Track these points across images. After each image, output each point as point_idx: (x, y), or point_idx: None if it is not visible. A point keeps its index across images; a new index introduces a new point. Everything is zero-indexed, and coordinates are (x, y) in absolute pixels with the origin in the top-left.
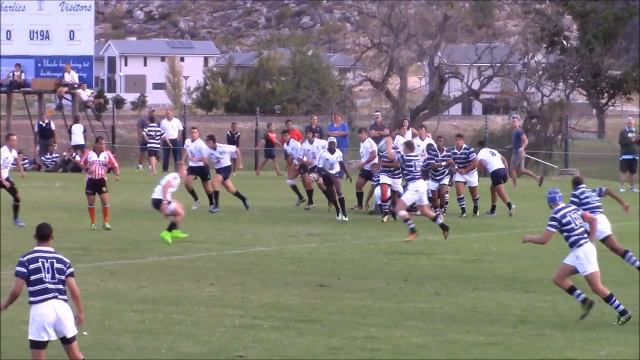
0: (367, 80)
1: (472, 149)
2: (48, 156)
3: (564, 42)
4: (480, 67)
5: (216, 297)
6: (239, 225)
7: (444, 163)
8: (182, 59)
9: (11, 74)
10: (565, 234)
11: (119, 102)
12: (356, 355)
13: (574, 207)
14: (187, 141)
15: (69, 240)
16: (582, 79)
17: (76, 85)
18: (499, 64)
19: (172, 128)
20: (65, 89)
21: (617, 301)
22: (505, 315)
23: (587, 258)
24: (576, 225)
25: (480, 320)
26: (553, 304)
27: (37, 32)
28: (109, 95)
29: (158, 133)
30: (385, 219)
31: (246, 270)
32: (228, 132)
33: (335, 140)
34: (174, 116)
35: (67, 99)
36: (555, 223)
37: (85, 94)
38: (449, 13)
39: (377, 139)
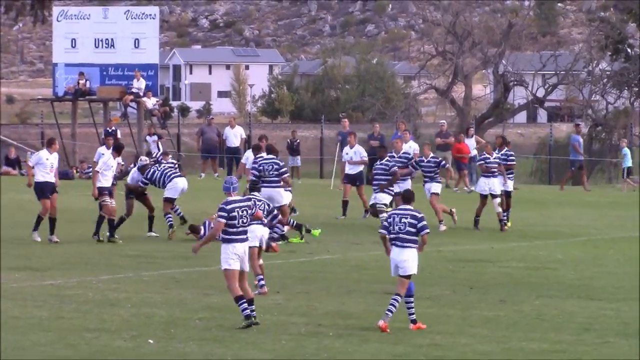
0: (431, 88)
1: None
2: None
3: (628, 50)
4: (545, 74)
5: (281, 305)
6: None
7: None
8: (247, 67)
9: (76, 83)
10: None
11: (184, 110)
12: None
13: None
14: (346, 148)
15: (134, 248)
16: None
17: (142, 94)
18: (563, 72)
19: (234, 136)
20: (131, 97)
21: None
22: (569, 323)
23: None
24: None
25: (545, 328)
26: (617, 312)
27: (102, 41)
28: (174, 103)
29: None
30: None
31: (311, 278)
32: (288, 140)
33: None
34: (237, 124)
35: (132, 107)
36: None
37: (151, 102)
38: (514, 21)
39: (442, 147)
